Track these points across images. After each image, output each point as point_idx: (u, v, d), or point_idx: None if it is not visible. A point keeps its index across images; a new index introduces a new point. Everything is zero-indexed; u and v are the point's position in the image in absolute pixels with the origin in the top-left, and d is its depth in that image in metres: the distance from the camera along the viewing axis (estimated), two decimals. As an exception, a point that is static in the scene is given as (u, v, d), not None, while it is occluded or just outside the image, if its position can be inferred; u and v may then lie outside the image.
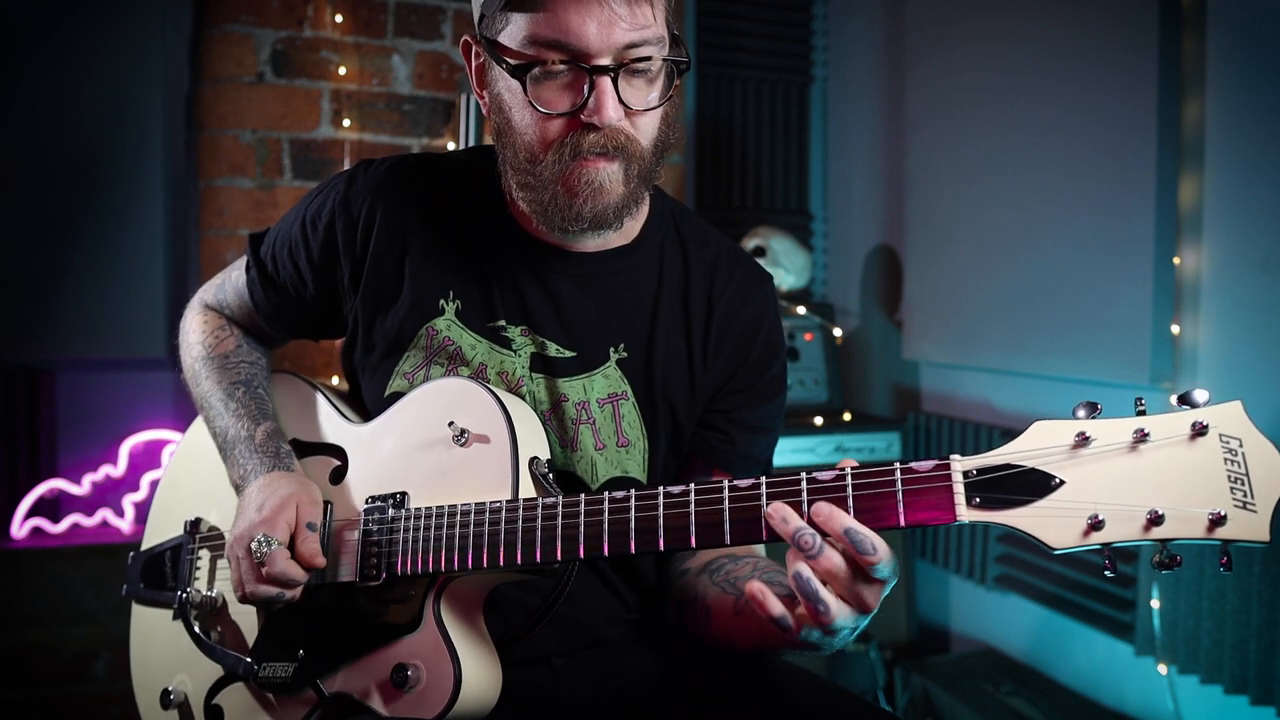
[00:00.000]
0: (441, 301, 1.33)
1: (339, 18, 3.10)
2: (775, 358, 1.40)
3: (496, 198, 1.33)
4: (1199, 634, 2.34)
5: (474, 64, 1.27)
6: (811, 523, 0.98)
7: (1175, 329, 2.46)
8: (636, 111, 1.17)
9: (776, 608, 1.00)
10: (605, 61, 1.12)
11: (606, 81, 1.13)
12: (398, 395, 1.32)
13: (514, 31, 1.15)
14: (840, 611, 0.98)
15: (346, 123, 3.11)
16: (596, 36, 1.11)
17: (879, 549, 0.96)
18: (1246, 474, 0.89)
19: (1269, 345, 2.27)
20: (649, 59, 1.15)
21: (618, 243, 1.34)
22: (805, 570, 0.97)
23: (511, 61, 1.15)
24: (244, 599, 1.23)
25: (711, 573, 1.30)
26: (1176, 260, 2.45)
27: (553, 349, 1.31)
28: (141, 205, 3.12)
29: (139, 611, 1.48)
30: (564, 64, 1.13)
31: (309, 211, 1.39)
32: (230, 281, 1.52)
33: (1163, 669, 2.46)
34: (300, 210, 1.41)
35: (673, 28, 1.20)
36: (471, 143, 2.99)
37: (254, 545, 1.19)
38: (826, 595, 0.97)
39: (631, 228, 1.35)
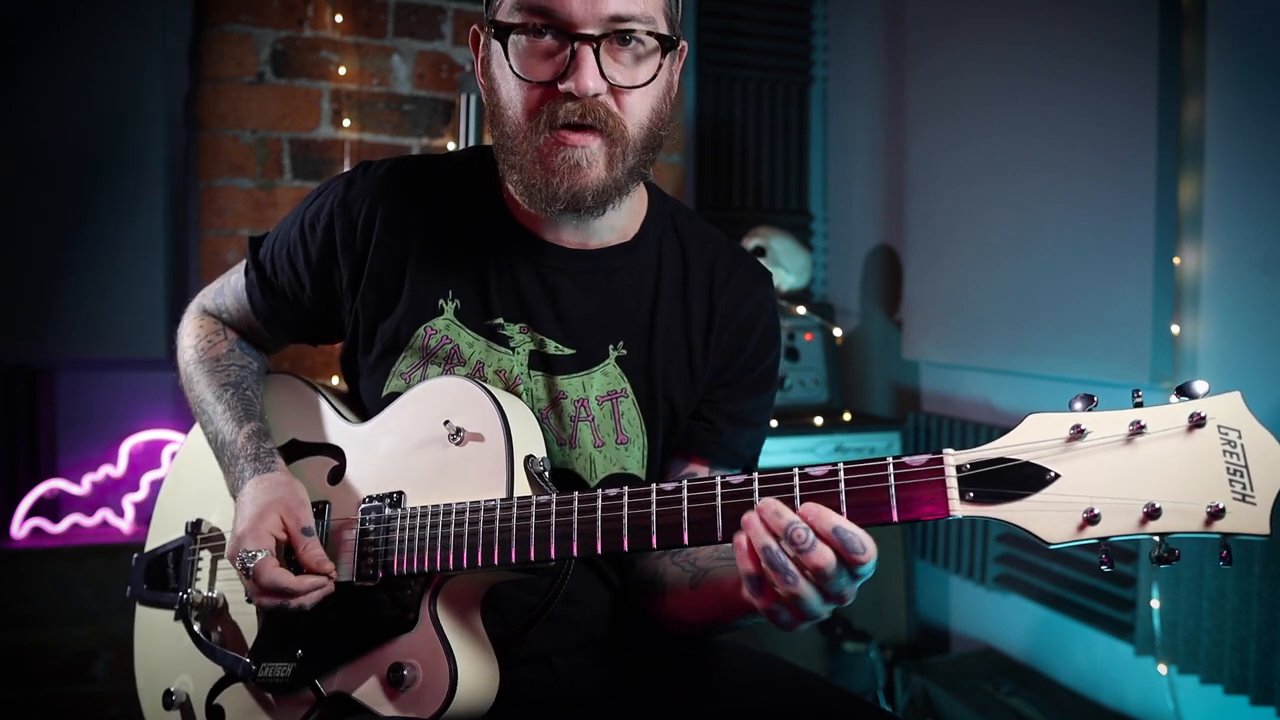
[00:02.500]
0: (440, 301, 1.33)
1: (339, 18, 3.10)
2: (768, 354, 1.40)
3: (496, 196, 1.33)
4: (1199, 634, 2.34)
5: (479, 55, 1.28)
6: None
7: (1175, 329, 2.45)
8: (622, 88, 1.17)
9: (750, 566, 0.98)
10: (590, 31, 1.13)
11: (587, 50, 1.13)
12: (395, 395, 1.32)
13: (508, 5, 1.17)
14: (809, 591, 0.96)
15: (346, 123, 3.11)
16: (580, 6, 1.12)
17: (868, 548, 0.94)
18: (1246, 466, 0.87)
19: (1269, 345, 2.27)
20: (634, 32, 1.15)
21: (617, 240, 1.34)
22: (774, 544, 0.95)
23: (499, 25, 1.17)
24: (259, 607, 1.25)
25: (671, 554, 1.32)
26: (1176, 260, 2.45)
27: (551, 346, 1.32)
28: (141, 205, 3.12)
29: (142, 613, 1.48)
30: (547, 28, 1.14)
31: (307, 214, 1.39)
32: (229, 285, 1.52)
33: (1163, 669, 2.46)
34: (299, 213, 1.41)
35: (673, 19, 1.20)
36: (471, 143, 2.99)
37: (237, 564, 1.20)
38: (795, 569, 0.95)
39: (630, 225, 1.35)
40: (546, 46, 1.15)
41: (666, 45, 1.19)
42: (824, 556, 0.95)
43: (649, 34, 1.16)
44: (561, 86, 1.14)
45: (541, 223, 1.32)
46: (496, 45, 1.19)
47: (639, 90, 1.18)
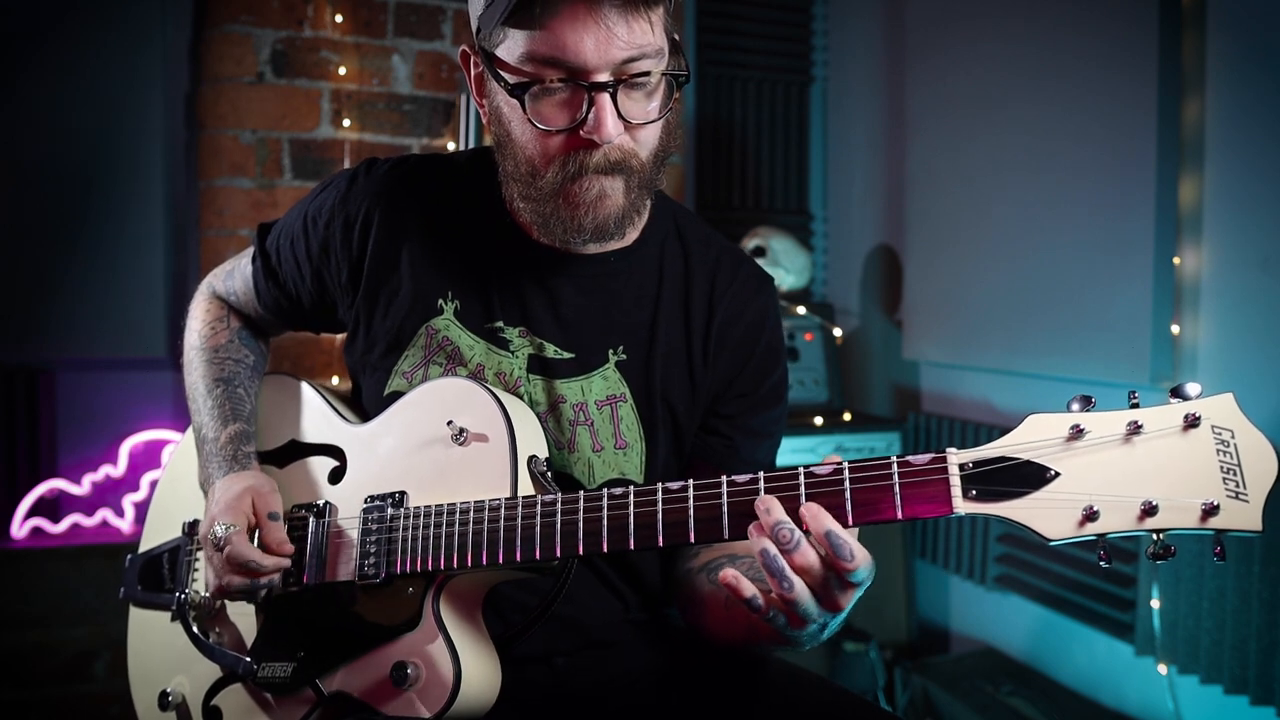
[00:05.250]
0: (440, 301, 1.33)
1: (339, 18, 3.10)
2: (777, 363, 1.40)
3: (497, 199, 1.33)
4: (1199, 634, 2.34)
5: (473, 73, 1.27)
6: (800, 520, 0.99)
7: (1175, 329, 2.46)
8: (636, 125, 1.17)
9: (749, 589, 1.00)
10: (603, 78, 1.12)
11: (605, 98, 1.12)
12: (397, 394, 1.32)
13: (511, 47, 1.14)
14: (804, 596, 0.98)
15: (346, 123, 3.11)
16: (594, 54, 1.10)
17: (856, 556, 0.96)
18: (1239, 464, 0.90)
19: (1269, 345, 2.27)
20: (647, 73, 1.15)
21: (618, 245, 1.34)
22: (773, 548, 0.98)
23: (510, 79, 1.15)
24: (218, 594, 1.26)
25: (709, 571, 1.30)
26: (1176, 260, 2.45)
27: (551, 350, 1.32)
28: (141, 205, 3.12)
29: (136, 614, 1.48)
30: (562, 81, 1.13)
31: (311, 208, 1.40)
32: (239, 269, 1.53)
33: (1163, 669, 2.46)
34: (304, 206, 1.42)
35: (672, 34, 1.19)
36: (471, 143, 2.99)
37: (212, 535, 1.23)
38: (791, 574, 0.98)
39: (632, 230, 1.35)
40: (562, 97, 1.14)
41: (679, 81, 1.19)
42: (808, 556, 0.97)
43: (661, 74, 1.16)
44: (583, 134, 1.14)
45: None
46: (500, 86, 1.17)
47: (652, 124, 1.19)
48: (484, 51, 1.19)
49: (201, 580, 1.39)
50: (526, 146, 1.19)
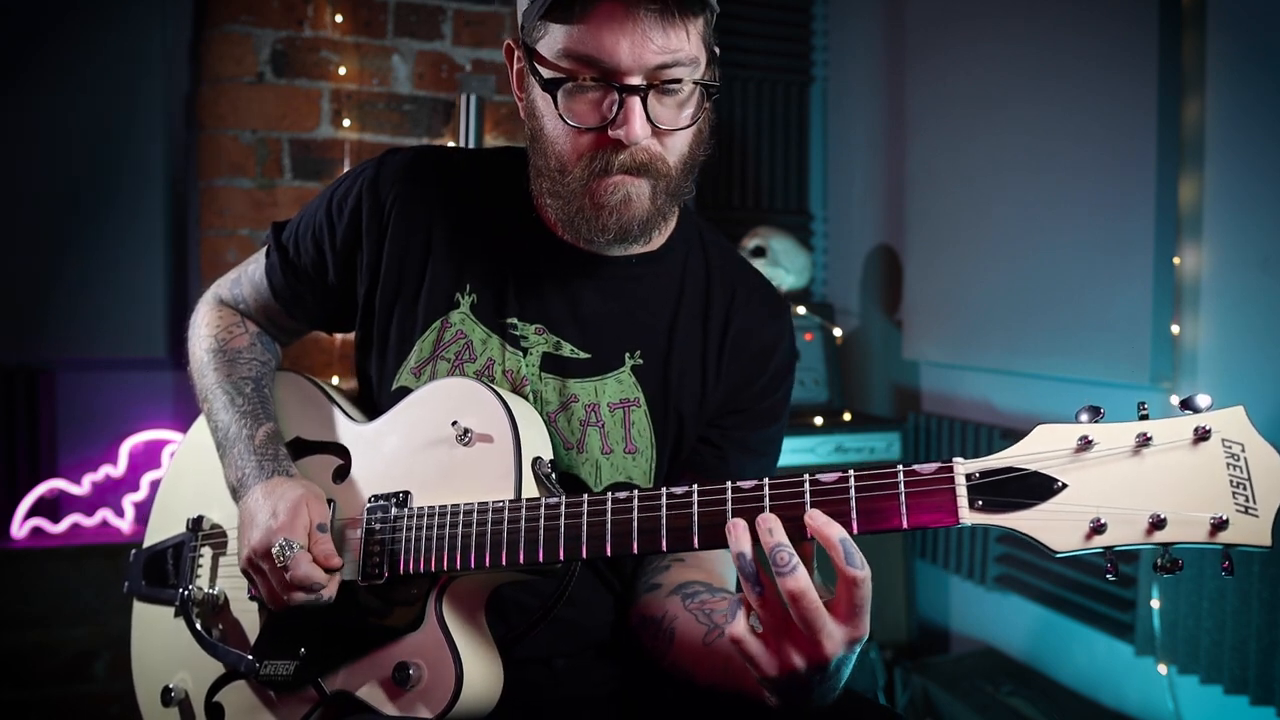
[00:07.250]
0: (457, 295, 1.33)
1: (339, 18, 3.10)
2: (781, 385, 1.40)
3: (525, 196, 1.33)
4: (1199, 634, 2.34)
5: (515, 67, 1.28)
6: (804, 526, 0.96)
7: (1175, 329, 2.46)
8: (666, 131, 1.18)
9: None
10: (636, 80, 1.13)
11: (635, 100, 1.14)
12: (404, 389, 1.32)
13: (551, 42, 1.16)
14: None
15: (346, 123, 3.11)
16: (629, 56, 1.12)
17: (865, 568, 0.92)
18: (1249, 479, 0.88)
19: (1269, 345, 2.27)
20: (679, 81, 1.16)
21: (643, 249, 1.34)
22: (750, 553, 0.95)
23: (545, 74, 1.17)
24: (279, 608, 1.23)
25: (685, 596, 1.28)
26: (1176, 260, 2.45)
27: (567, 349, 1.32)
28: (141, 205, 3.12)
29: (140, 609, 1.48)
30: (595, 80, 1.14)
31: (335, 196, 1.40)
32: (246, 275, 1.52)
33: (1163, 669, 2.46)
34: (326, 195, 1.42)
35: (710, 46, 1.20)
36: (472, 143, 3.00)
37: (275, 551, 1.17)
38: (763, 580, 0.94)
39: (657, 236, 1.35)
40: (594, 95, 1.16)
41: (710, 91, 1.20)
42: (800, 581, 0.92)
43: (693, 82, 1.17)
44: (612, 134, 1.15)
45: None
46: (538, 80, 1.19)
47: (682, 131, 1.20)
48: (525, 46, 1.20)
49: (205, 576, 1.39)
50: (557, 142, 1.20)
